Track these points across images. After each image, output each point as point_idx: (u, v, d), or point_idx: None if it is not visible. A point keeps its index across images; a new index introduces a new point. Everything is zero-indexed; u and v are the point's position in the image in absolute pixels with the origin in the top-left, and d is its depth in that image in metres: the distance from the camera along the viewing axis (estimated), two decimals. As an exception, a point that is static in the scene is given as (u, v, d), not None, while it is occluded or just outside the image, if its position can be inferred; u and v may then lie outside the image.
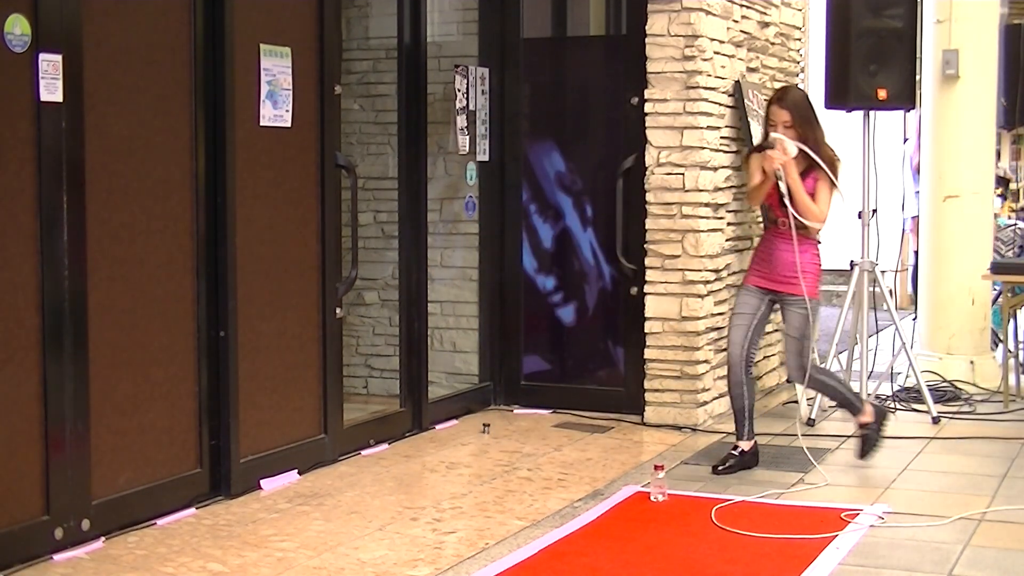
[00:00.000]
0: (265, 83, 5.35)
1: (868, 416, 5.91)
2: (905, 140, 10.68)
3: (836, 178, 5.70)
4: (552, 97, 7.19)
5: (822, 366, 6.24)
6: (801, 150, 5.61)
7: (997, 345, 8.12)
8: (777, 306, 5.83)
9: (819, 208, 5.66)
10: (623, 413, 6.92)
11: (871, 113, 7.17)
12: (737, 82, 7.05)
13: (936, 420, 6.86)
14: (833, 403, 6.19)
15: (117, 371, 4.72)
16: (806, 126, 5.67)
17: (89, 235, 4.54)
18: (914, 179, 9.34)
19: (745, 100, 7.02)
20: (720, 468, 5.74)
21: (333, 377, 5.81)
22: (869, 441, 5.93)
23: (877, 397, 7.34)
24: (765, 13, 7.55)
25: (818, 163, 5.63)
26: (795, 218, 5.58)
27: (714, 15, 6.76)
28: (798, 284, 5.66)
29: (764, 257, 5.80)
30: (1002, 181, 10.69)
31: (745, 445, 5.85)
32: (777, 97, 5.73)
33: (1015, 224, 9.36)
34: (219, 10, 5.09)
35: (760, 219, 7.23)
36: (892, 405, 7.28)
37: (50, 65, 4.35)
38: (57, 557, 4.41)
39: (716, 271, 6.86)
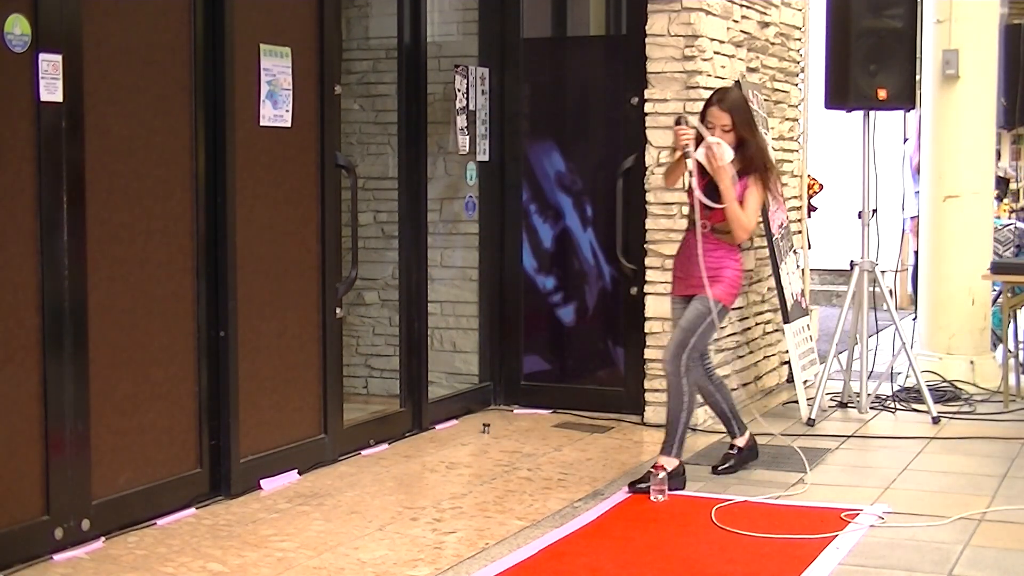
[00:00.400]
0: (265, 83, 5.35)
1: (742, 442, 5.79)
2: (905, 140, 10.68)
3: (770, 186, 5.52)
4: (552, 97, 7.19)
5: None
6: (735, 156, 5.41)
7: (997, 345, 8.12)
8: None
9: (746, 217, 5.40)
10: (623, 413, 6.92)
11: (871, 113, 7.16)
12: (737, 82, 7.05)
13: (936, 420, 6.86)
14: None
15: (117, 371, 4.72)
16: (746, 129, 5.44)
17: (89, 235, 4.54)
18: (914, 179, 9.34)
19: (745, 100, 7.01)
20: (720, 468, 5.73)
21: (333, 377, 5.81)
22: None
23: (877, 397, 7.34)
24: (765, 13, 7.55)
25: (752, 168, 5.43)
26: (710, 227, 5.42)
27: (714, 15, 6.76)
28: (705, 285, 5.38)
29: (682, 262, 5.56)
30: (1002, 181, 10.69)
31: (740, 441, 5.81)
32: (717, 99, 5.45)
33: (1012, 223, 9.36)
34: (219, 10, 5.09)
35: (760, 219, 7.23)
36: (892, 405, 7.28)
37: (50, 65, 4.35)
38: (57, 557, 4.41)
39: (716, 271, 6.85)
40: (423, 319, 6.64)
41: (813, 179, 8.87)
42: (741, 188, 5.44)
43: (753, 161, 5.44)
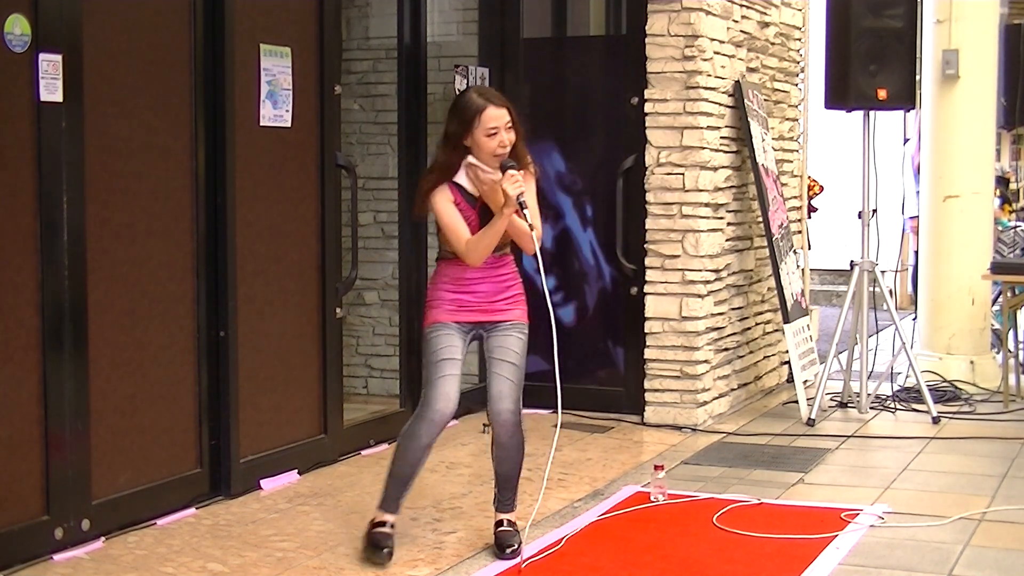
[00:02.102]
0: (265, 83, 5.35)
1: (383, 517, 4.58)
2: (906, 140, 10.68)
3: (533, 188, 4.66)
4: (552, 97, 7.18)
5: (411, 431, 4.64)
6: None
7: (997, 348, 8.11)
8: (474, 341, 4.70)
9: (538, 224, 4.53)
10: (623, 413, 6.92)
11: (871, 113, 7.16)
12: (737, 82, 7.05)
13: (936, 420, 6.86)
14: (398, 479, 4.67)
15: (117, 371, 4.72)
16: (518, 127, 4.54)
17: (89, 235, 4.54)
18: (915, 179, 9.34)
19: (745, 100, 7.02)
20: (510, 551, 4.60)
21: (333, 377, 5.81)
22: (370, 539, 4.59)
23: (877, 397, 7.34)
24: (765, 13, 7.55)
25: (526, 163, 4.58)
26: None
27: (714, 15, 6.76)
28: (520, 308, 4.72)
29: (464, 289, 4.58)
30: (1001, 181, 10.68)
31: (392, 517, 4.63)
32: (486, 99, 4.47)
33: (1018, 226, 9.35)
34: (219, 10, 5.09)
35: (760, 219, 7.23)
36: (892, 405, 7.28)
37: (50, 65, 4.35)
38: (57, 557, 4.41)
39: (716, 271, 6.86)
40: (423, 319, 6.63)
41: (814, 181, 8.88)
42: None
43: (526, 155, 4.60)
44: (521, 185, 4.39)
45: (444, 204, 4.51)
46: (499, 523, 4.66)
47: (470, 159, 4.49)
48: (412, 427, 4.57)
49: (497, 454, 4.67)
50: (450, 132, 4.52)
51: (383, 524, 4.55)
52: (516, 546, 4.53)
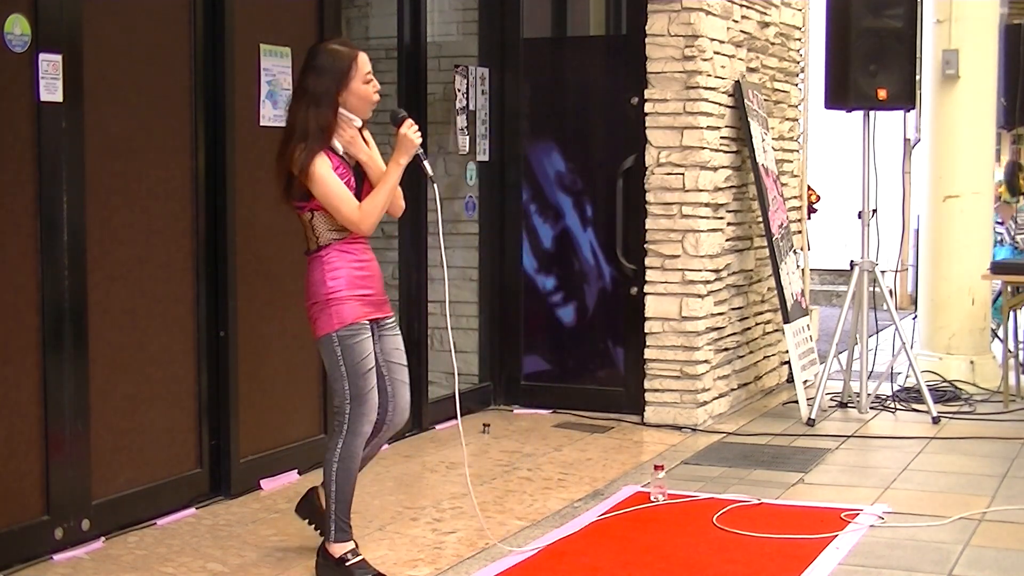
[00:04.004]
0: (265, 83, 5.35)
1: (337, 551, 4.24)
2: (917, 141, 10.68)
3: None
4: (552, 97, 7.19)
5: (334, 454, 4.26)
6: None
7: (994, 339, 8.11)
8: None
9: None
10: (623, 413, 6.92)
11: (871, 113, 7.17)
12: (737, 82, 7.05)
13: (936, 420, 6.86)
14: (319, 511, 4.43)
15: (117, 371, 4.72)
16: None
17: (89, 235, 4.54)
18: None
19: (745, 100, 7.02)
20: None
21: (333, 377, 5.80)
22: (321, 570, 4.31)
23: (877, 397, 7.34)
24: (765, 13, 7.55)
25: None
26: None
27: (714, 15, 6.76)
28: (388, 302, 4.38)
29: (366, 275, 4.24)
30: (1016, 167, 10.65)
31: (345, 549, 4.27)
32: (348, 44, 4.26)
33: None
34: (219, 10, 5.09)
35: (760, 219, 7.23)
36: (892, 405, 7.28)
37: (50, 65, 4.35)
38: (57, 557, 4.41)
39: (716, 271, 6.86)
40: (423, 319, 6.64)
41: (811, 189, 8.88)
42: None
43: None
44: (419, 132, 4.19)
45: (328, 172, 4.08)
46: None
47: (343, 112, 4.15)
48: (348, 446, 4.20)
49: (368, 454, 4.40)
50: (320, 90, 4.09)
51: (355, 554, 4.23)
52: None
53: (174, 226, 4.98)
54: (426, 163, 4.29)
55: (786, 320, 7.00)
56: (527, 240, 7.18)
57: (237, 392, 5.22)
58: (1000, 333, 7.81)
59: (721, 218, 6.93)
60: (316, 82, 4.11)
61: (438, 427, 6.63)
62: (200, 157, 5.07)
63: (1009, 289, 7.45)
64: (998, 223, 9.25)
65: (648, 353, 6.79)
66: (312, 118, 4.09)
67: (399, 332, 4.39)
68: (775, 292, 7.22)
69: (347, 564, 4.22)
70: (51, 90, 4.35)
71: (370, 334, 4.22)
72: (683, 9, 6.64)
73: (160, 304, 4.93)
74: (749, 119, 7.02)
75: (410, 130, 4.19)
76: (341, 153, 4.20)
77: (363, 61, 4.16)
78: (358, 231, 4.18)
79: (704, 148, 6.69)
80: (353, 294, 4.17)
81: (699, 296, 6.70)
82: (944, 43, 7.90)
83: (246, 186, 5.25)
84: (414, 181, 6.56)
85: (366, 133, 4.30)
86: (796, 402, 7.00)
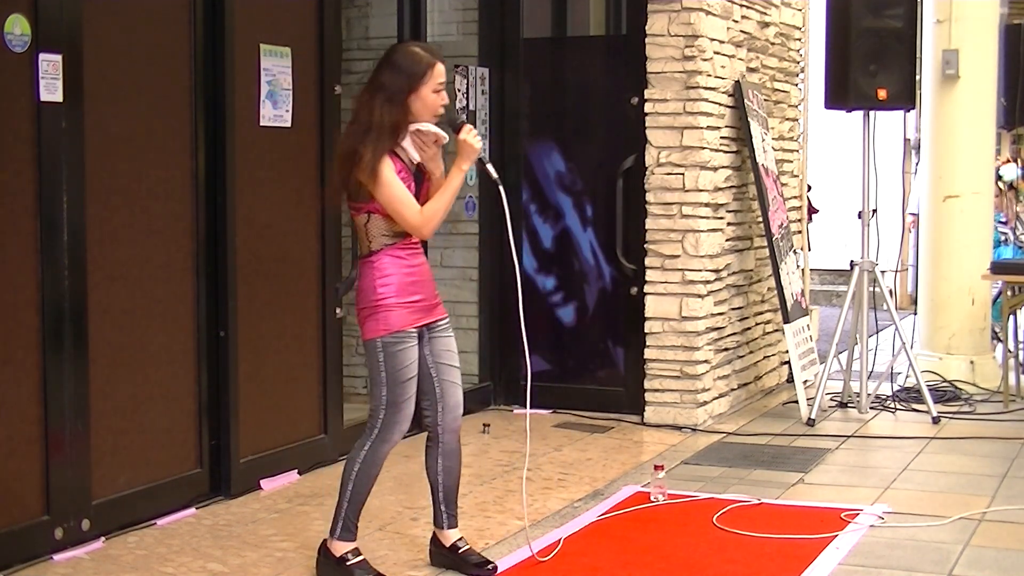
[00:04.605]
0: (265, 83, 5.35)
1: (339, 550, 4.26)
2: (918, 142, 10.70)
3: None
4: (552, 97, 7.19)
5: (363, 458, 4.27)
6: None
7: (996, 341, 8.11)
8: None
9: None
10: (623, 413, 6.92)
11: (871, 113, 7.17)
12: (737, 82, 7.05)
13: (936, 420, 6.86)
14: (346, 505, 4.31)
15: (117, 371, 4.72)
16: None
17: (89, 235, 4.54)
18: None
19: (745, 100, 7.02)
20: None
21: (333, 377, 5.80)
22: (322, 568, 4.31)
23: (877, 397, 7.34)
24: (765, 13, 7.55)
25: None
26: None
27: (714, 15, 6.76)
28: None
29: (417, 280, 4.21)
30: None
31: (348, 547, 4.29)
32: (431, 50, 4.19)
33: None
34: (219, 10, 5.09)
35: (760, 219, 7.23)
36: (892, 405, 7.28)
37: (50, 65, 4.35)
38: (57, 557, 4.41)
39: (716, 271, 6.86)
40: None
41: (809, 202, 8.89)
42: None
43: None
44: (479, 137, 4.19)
45: (393, 176, 4.05)
46: (455, 546, 4.36)
47: (417, 125, 4.10)
48: (374, 450, 4.21)
49: (445, 465, 4.39)
50: (394, 87, 4.05)
51: (356, 554, 4.24)
52: (489, 561, 4.36)
53: (174, 226, 4.98)
54: (490, 167, 4.26)
55: (786, 320, 7.00)
56: (527, 240, 7.18)
57: (237, 392, 5.22)
58: (1001, 333, 7.81)
59: (721, 218, 6.93)
60: (391, 79, 4.07)
61: (438, 427, 6.62)
62: (200, 157, 5.07)
63: (1009, 289, 7.45)
64: (1002, 222, 9.25)
65: (648, 353, 6.79)
66: (385, 113, 4.05)
67: (452, 334, 4.36)
68: (775, 292, 7.22)
69: (348, 564, 4.22)
70: (51, 90, 4.36)
71: (416, 342, 4.20)
72: (683, 9, 6.64)
73: (160, 304, 4.93)
74: (749, 119, 7.02)
75: (470, 135, 4.17)
76: (412, 157, 4.14)
77: (440, 70, 4.11)
78: (419, 236, 4.16)
79: (704, 148, 6.69)
80: (402, 301, 4.14)
81: (699, 296, 6.70)
82: (944, 43, 7.90)
83: (246, 186, 5.25)
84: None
85: (432, 151, 4.22)
86: (796, 402, 7.00)
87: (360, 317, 4.20)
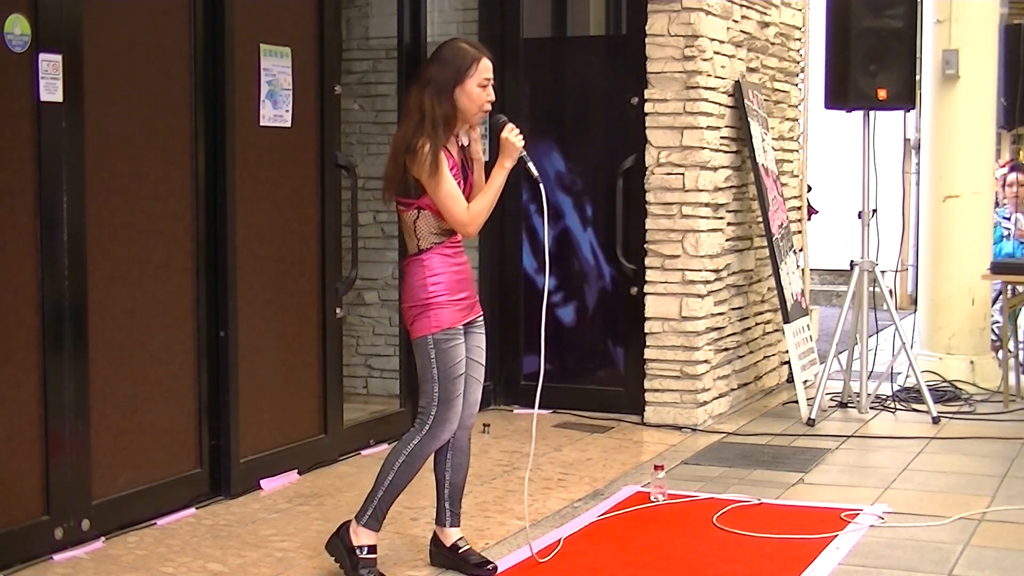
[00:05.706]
0: (265, 83, 5.35)
1: (362, 539, 4.24)
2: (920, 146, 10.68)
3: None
4: (552, 97, 7.19)
5: (409, 452, 4.28)
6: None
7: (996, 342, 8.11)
8: None
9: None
10: (623, 413, 6.92)
11: (871, 113, 7.17)
12: (737, 82, 7.05)
13: (936, 420, 6.86)
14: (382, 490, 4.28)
15: (117, 371, 4.72)
16: None
17: (89, 235, 4.54)
18: None
19: (745, 100, 7.02)
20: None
21: (333, 377, 5.81)
22: (340, 556, 4.27)
23: (877, 397, 7.34)
24: (765, 13, 7.55)
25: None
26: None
27: (714, 15, 6.76)
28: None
29: (462, 279, 4.27)
30: None
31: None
32: (478, 47, 4.23)
33: None
34: (219, 10, 5.09)
35: (760, 219, 7.23)
36: (892, 405, 7.28)
37: (50, 65, 4.35)
38: (57, 557, 4.41)
39: (716, 271, 6.86)
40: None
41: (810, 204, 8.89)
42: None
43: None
44: (520, 136, 4.21)
45: (447, 172, 4.09)
46: (455, 546, 4.35)
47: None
48: (422, 445, 4.23)
49: (455, 461, 4.40)
50: (441, 80, 4.08)
51: (373, 551, 4.22)
52: (489, 561, 4.36)
53: (174, 226, 4.98)
54: (531, 165, 4.28)
55: (786, 320, 7.00)
56: (527, 240, 7.18)
57: (237, 392, 5.23)
58: (1001, 333, 7.80)
59: (721, 218, 6.93)
60: (438, 72, 4.11)
61: (438, 427, 6.62)
62: (200, 157, 5.07)
63: (1009, 289, 7.45)
64: (1005, 218, 9.24)
65: (648, 353, 6.79)
66: (437, 106, 4.08)
67: (483, 331, 4.40)
68: (775, 292, 7.22)
69: (358, 556, 4.21)
70: (51, 90, 4.36)
71: (463, 339, 4.25)
72: (683, 9, 6.64)
73: (160, 304, 4.93)
74: (749, 119, 7.02)
75: (511, 134, 4.22)
76: (468, 152, 4.20)
77: (485, 65, 4.15)
78: (464, 233, 4.19)
79: (704, 148, 6.69)
80: (451, 299, 4.19)
81: (699, 296, 6.70)
82: (944, 43, 7.90)
83: (246, 186, 5.25)
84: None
85: (475, 132, 4.29)
86: (796, 402, 7.00)
87: (409, 315, 4.22)
